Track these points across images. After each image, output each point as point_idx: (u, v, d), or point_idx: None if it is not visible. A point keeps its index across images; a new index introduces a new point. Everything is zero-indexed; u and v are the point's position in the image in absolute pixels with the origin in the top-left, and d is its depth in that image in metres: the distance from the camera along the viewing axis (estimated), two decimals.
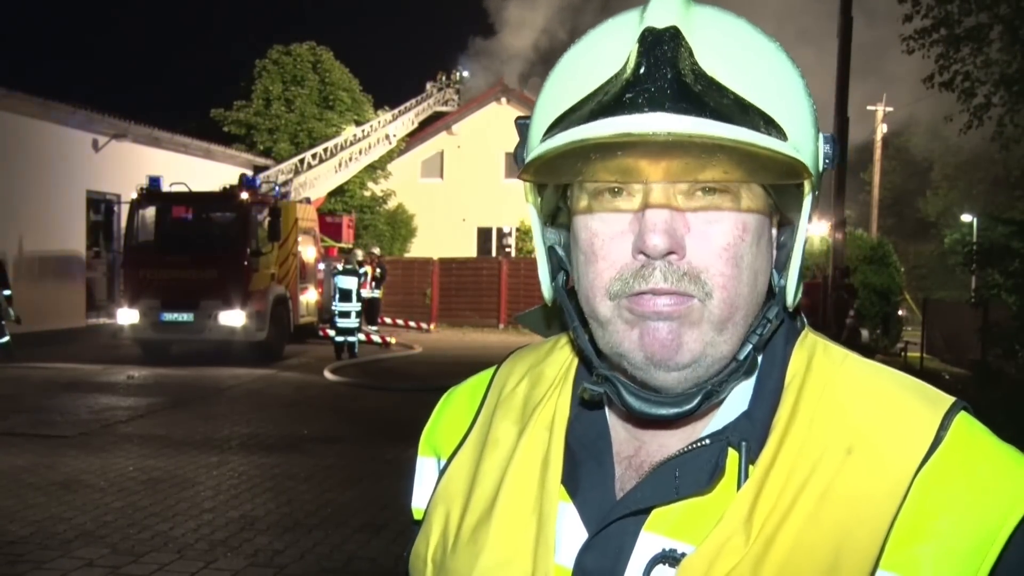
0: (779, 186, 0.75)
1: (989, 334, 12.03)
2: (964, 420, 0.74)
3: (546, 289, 0.86)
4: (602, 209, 0.75)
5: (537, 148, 0.72)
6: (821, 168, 0.78)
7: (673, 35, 0.70)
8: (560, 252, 0.85)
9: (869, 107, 32.65)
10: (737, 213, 0.74)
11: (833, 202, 16.13)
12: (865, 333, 16.49)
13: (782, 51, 0.77)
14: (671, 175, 0.70)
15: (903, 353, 17.69)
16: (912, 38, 15.37)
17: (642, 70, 0.69)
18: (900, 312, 21.52)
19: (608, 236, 0.75)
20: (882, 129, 33.14)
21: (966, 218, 30.76)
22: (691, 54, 0.70)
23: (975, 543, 0.68)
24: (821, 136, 0.78)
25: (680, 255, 0.72)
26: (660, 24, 0.70)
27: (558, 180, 0.78)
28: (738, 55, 0.72)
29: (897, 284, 20.10)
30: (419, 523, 0.93)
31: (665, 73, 0.68)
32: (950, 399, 0.75)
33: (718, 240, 0.73)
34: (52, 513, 5.90)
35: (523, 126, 0.81)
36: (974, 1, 14.50)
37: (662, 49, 0.69)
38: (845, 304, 15.72)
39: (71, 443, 8.02)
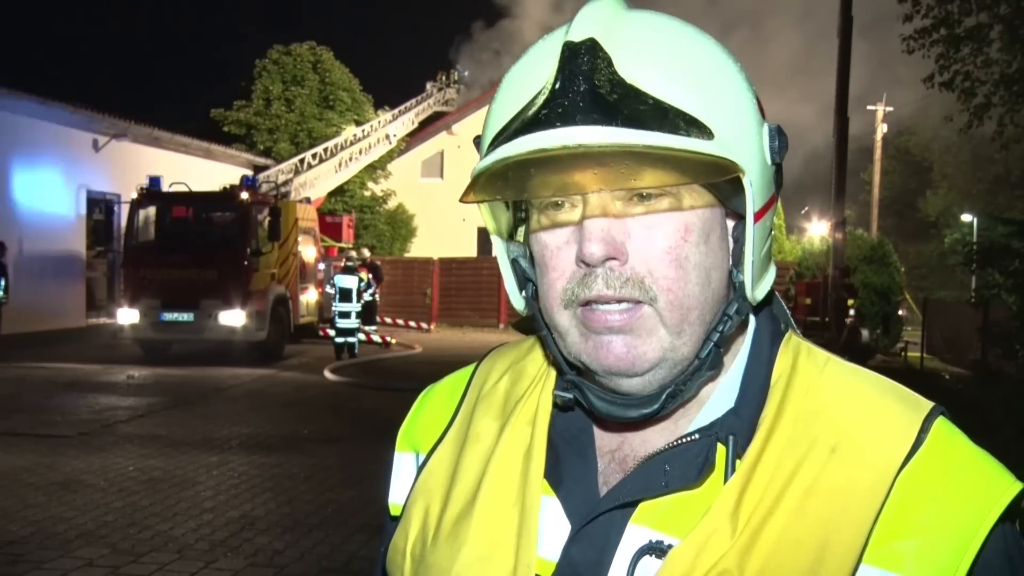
0: (723, 182, 0.76)
1: (989, 334, 12.02)
2: (943, 424, 0.76)
3: (515, 300, 0.87)
4: (549, 222, 0.77)
5: (475, 167, 0.74)
6: (769, 160, 0.78)
7: (590, 47, 0.71)
8: (523, 264, 0.86)
9: (869, 107, 32.69)
10: (679, 214, 0.74)
11: (833, 202, 16.13)
12: (865, 333, 16.46)
13: (715, 47, 0.77)
14: (605, 185, 0.71)
15: (903, 353, 17.68)
16: (912, 38, 15.36)
17: (558, 85, 0.71)
18: (900, 312, 21.49)
19: (555, 247, 0.77)
20: (882, 129, 33.15)
21: (966, 218, 30.74)
22: (609, 64, 0.71)
23: (956, 540, 0.70)
24: (766, 127, 0.78)
25: (622, 260, 0.74)
26: (578, 37, 0.72)
27: (501, 198, 0.79)
28: (661, 58, 0.73)
29: (897, 284, 20.08)
30: (396, 519, 0.93)
31: (578, 87, 0.70)
32: (929, 404, 0.78)
33: (659, 243, 0.74)
34: (52, 513, 5.90)
35: (479, 143, 0.82)
36: (974, 1, 14.49)
37: (576, 63, 0.71)
38: (845, 304, 15.71)
39: (71, 443, 8.02)
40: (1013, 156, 23.84)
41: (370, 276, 17.32)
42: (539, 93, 0.72)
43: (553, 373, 0.89)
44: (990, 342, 12.01)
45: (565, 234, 0.76)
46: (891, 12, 15.64)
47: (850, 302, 15.83)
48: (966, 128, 16.00)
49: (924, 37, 15.21)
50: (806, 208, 36.17)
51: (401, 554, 0.89)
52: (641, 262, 0.74)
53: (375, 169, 26.76)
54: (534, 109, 0.72)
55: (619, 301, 0.74)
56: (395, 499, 0.97)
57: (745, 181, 0.74)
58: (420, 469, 0.93)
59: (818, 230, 25.88)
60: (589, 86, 0.70)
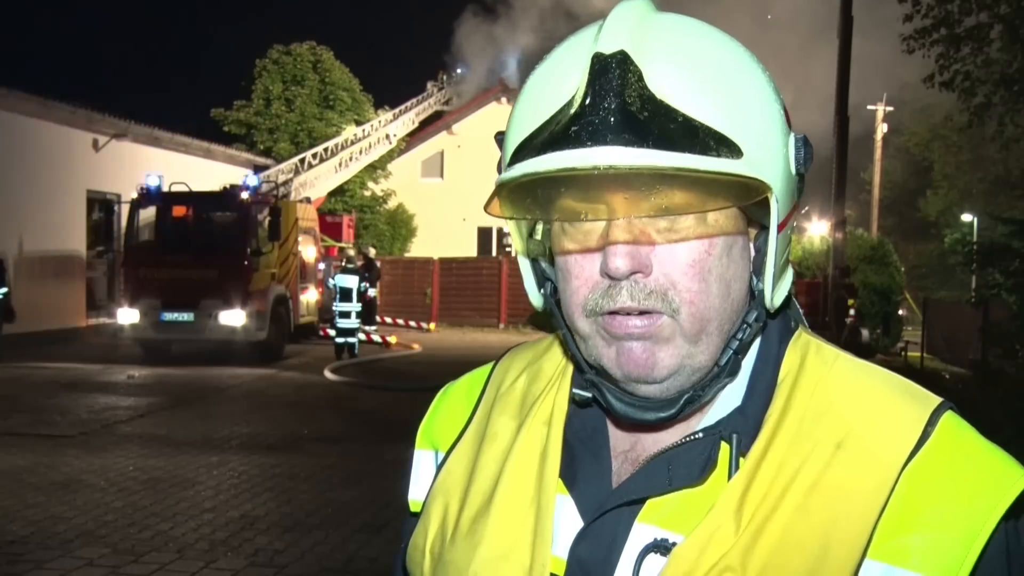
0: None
1: (989, 334, 12.01)
2: (951, 419, 0.76)
3: (534, 298, 0.88)
4: (573, 230, 0.77)
5: (500, 176, 0.74)
6: (794, 171, 0.78)
7: (621, 61, 0.70)
8: (543, 264, 0.86)
9: (869, 107, 32.65)
10: (703, 228, 0.75)
11: (833, 202, 16.14)
12: (865, 333, 16.48)
13: (746, 56, 0.76)
14: (633, 207, 0.71)
15: (903, 353, 17.69)
16: (912, 38, 15.35)
17: (588, 100, 0.70)
18: (900, 312, 21.51)
19: (579, 255, 0.77)
20: (882, 129, 33.14)
21: (966, 218, 30.75)
22: (640, 78, 0.70)
23: (962, 534, 0.70)
24: (792, 138, 0.78)
25: (646, 273, 0.74)
26: (609, 49, 0.71)
27: (529, 216, 0.79)
28: (691, 71, 0.72)
29: (897, 284, 20.10)
30: (415, 515, 0.94)
31: (609, 104, 0.69)
32: (937, 399, 0.77)
33: (683, 257, 0.74)
34: (52, 513, 5.90)
35: (500, 141, 0.82)
36: (974, 1, 14.48)
37: (607, 77, 0.70)
38: (845, 304, 15.72)
39: (71, 443, 8.02)
40: (1013, 156, 23.82)
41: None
42: (567, 105, 0.72)
43: (569, 373, 0.90)
44: (990, 342, 12.01)
45: (589, 242, 0.76)
46: (891, 12, 15.61)
47: (850, 302, 15.84)
48: (966, 128, 15.99)
49: (924, 37, 15.20)
50: (806, 208, 36.16)
51: (421, 552, 0.90)
52: (664, 275, 0.74)
53: (375, 169, 26.74)
54: (562, 123, 0.71)
55: (641, 313, 0.74)
56: (414, 496, 0.98)
57: (771, 199, 0.73)
58: (439, 467, 0.93)
59: (818, 230, 25.85)
60: (619, 103, 0.69)
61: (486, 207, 0.75)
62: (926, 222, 36.40)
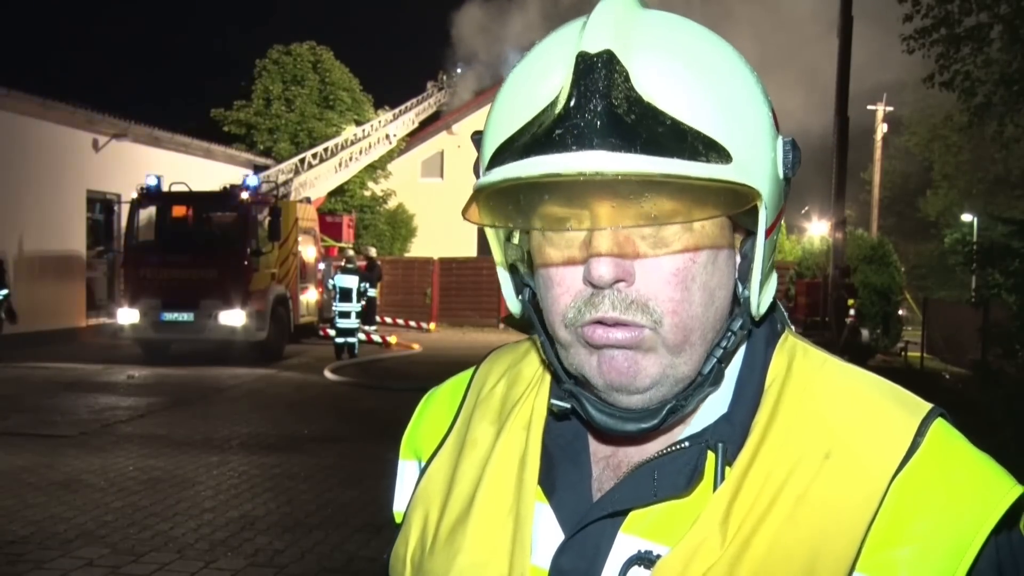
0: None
1: (989, 334, 12.01)
2: (941, 427, 0.74)
3: (512, 304, 0.85)
4: (555, 236, 0.74)
5: (479, 181, 0.71)
6: (782, 175, 0.76)
7: (607, 61, 0.67)
8: (522, 269, 0.84)
9: (869, 107, 32.64)
10: (689, 236, 0.73)
11: (833, 202, 16.12)
12: (865, 333, 16.46)
13: (734, 57, 0.74)
14: (620, 216, 0.69)
15: (903, 353, 17.69)
16: (912, 38, 15.35)
17: (572, 102, 0.67)
18: (900, 312, 21.49)
19: (561, 262, 0.74)
20: (882, 129, 33.13)
21: (966, 218, 30.74)
22: (626, 79, 0.67)
23: (951, 547, 0.68)
24: (780, 141, 0.76)
25: (629, 283, 0.72)
26: (594, 48, 0.68)
27: (513, 225, 0.76)
28: (679, 72, 0.69)
29: (897, 284, 20.08)
30: (400, 526, 0.93)
31: (595, 105, 0.66)
32: (928, 405, 0.76)
33: (667, 265, 0.72)
34: (52, 513, 5.90)
35: (478, 142, 0.79)
36: (974, 1, 14.48)
37: (593, 78, 0.67)
38: (845, 304, 15.71)
39: (71, 443, 8.02)
40: (1013, 156, 23.83)
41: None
42: (550, 106, 0.69)
43: (548, 377, 0.88)
44: (990, 342, 12.00)
45: (571, 251, 0.74)
46: (891, 12, 15.61)
47: (850, 302, 15.82)
48: (966, 128, 15.99)
49: (924, 37, 15.20)
50: (806, 208, 36.16)
51: (402, 562, 0.89)
52: (647, 283, 0.72)
53: (375, 169, 26.74)
54: (546, 126, 0.68)
55: (623, 325, 0.72)
56: (399, 507, 0.97)
57: (760, 206, 0.71)
58: (420, 476, 0.92)
59: (818, 230, 25.90)
60: (605, 105, 0.66)
61: (464, 213, 0.72)
62: (926, 222, 36.38)
